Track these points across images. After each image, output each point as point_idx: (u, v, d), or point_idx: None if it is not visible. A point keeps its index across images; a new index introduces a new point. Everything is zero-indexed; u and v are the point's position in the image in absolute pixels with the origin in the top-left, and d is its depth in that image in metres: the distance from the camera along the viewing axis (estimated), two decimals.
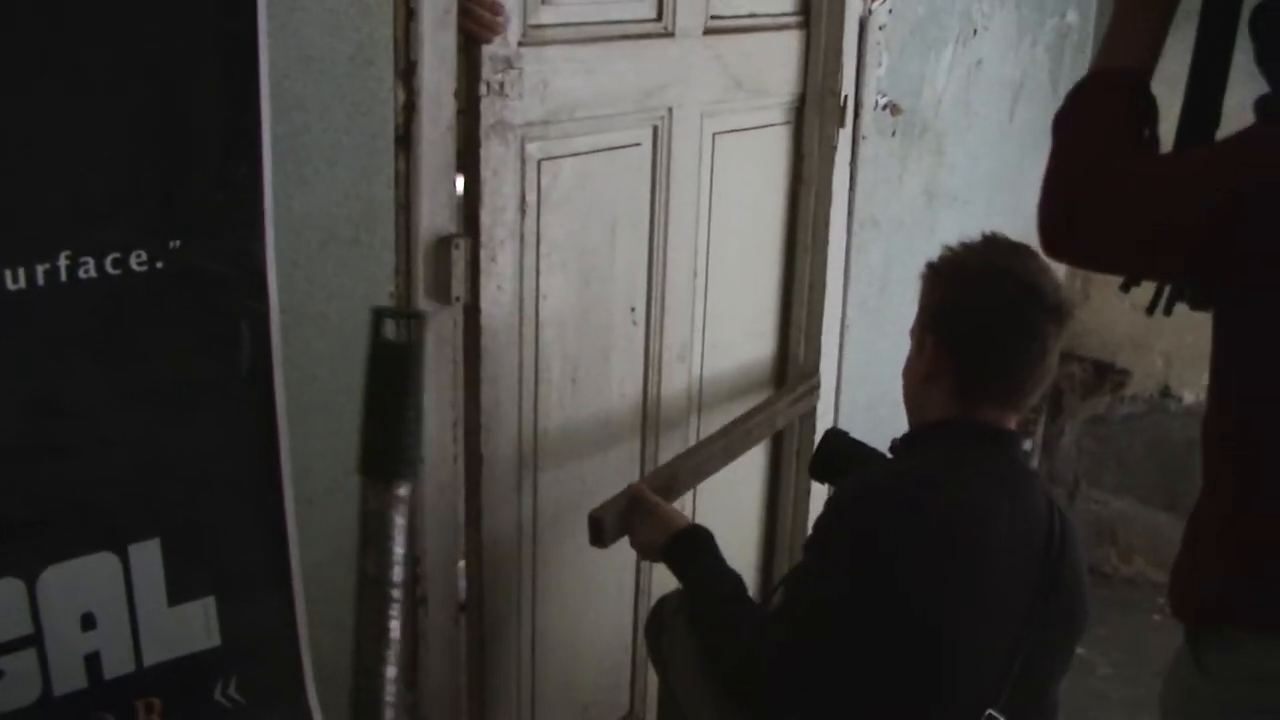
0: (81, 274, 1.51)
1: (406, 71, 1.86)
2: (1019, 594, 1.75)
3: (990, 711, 1.70)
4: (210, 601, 1.69)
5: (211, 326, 1.63)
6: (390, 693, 1.12)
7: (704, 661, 1.89)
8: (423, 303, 1.96)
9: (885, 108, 2.74)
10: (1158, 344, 3.29)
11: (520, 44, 2.05)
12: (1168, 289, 1.49)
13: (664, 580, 2.20)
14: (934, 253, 2.47)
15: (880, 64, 2.69)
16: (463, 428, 2.16)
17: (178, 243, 1.58)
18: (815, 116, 2.63)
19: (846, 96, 2.62)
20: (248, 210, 1.65)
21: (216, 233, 1.62)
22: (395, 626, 1.11)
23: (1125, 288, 1.52)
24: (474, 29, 1.97)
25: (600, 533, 2.13)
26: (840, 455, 2.26)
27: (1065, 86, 2.93)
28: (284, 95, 1.69)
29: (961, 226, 2.92)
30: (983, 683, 1.73)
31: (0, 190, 1.43)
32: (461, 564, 2.25)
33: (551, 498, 2.30)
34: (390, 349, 1.13)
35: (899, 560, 1.68)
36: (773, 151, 2.62)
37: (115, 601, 1.60)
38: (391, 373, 1.13)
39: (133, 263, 1.55)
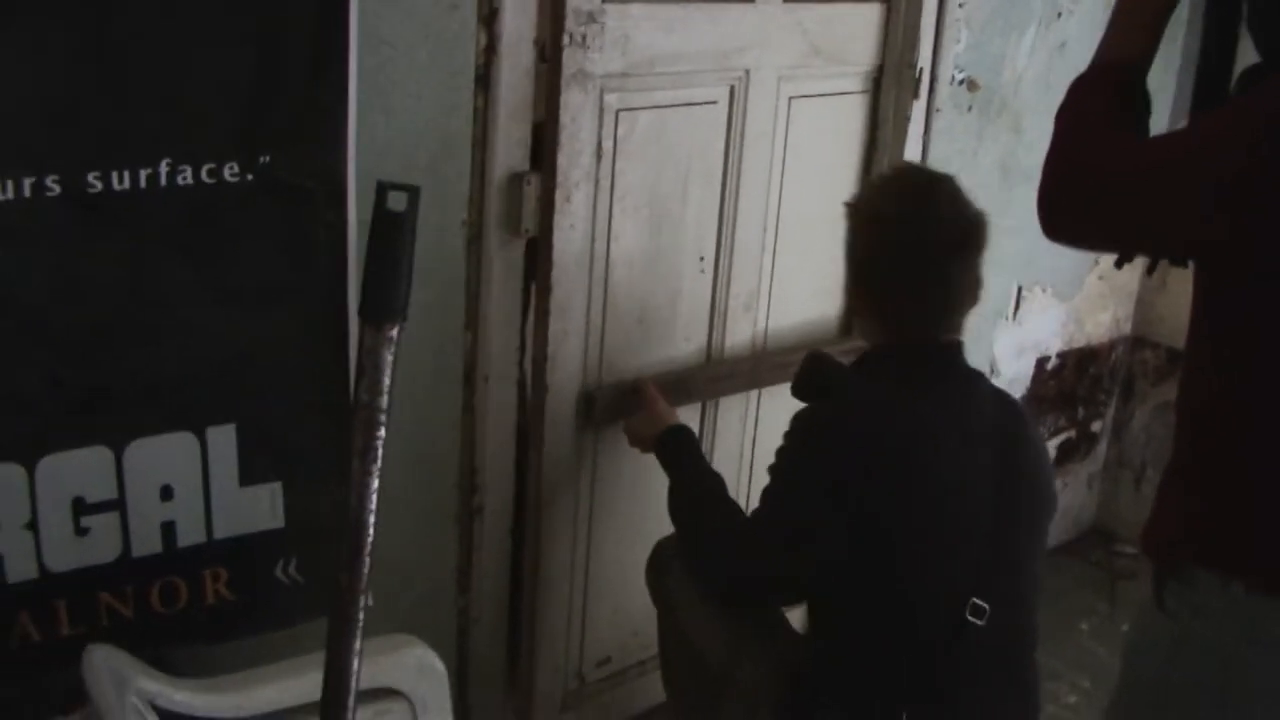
0: (180, 180, 1.66)
1: (489, 17, 1.98)
2: (982, 487, 1.88)
3: (974, 599, 1.82)
4: (277, 486, 1.84)
5: (294, 234, 1.77)
6: (374, 502, 1.25)
7: (684, 556, 2.06)
8: (494, 233, 2.09)
9: (962, 83, 2.80)
10: None
11: (605, 0, 2.16)
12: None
13: None
14: (1008, 226, 2.58)
15: (959, 40, 2.75)
16: (530, 355, 2.30)
17: (267, 157, 1.72)
18: (892, 88, 2.71)
19: (922, 70, 2.69)
20: (332, 132, 1.78)
21: (303, 150, 1.76)
22: (380, 444, 1.24)
23: (1119, 264, 1.59)
24: None
25: (590, 407, 2.32)
26: (820, 374, 2.35)
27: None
28: (373, 32, 1.83)
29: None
30: (962, 572, 1.85)
31: (111, 101, 1.58)
32: None
33: (612, 432, 2.41)
34: (391, 215, 1.26)
35: (861, 482, 1.81)
36: (849, 118, 2.69)
37: (191, 478, 1.76)
38: (391, 235, 1.26)
39: (226, 173, 1.70)
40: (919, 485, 1.84)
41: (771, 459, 1.95)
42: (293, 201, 1.76)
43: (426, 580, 2.16)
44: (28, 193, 1.54)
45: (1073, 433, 3.52)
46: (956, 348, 2.01)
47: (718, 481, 2.11)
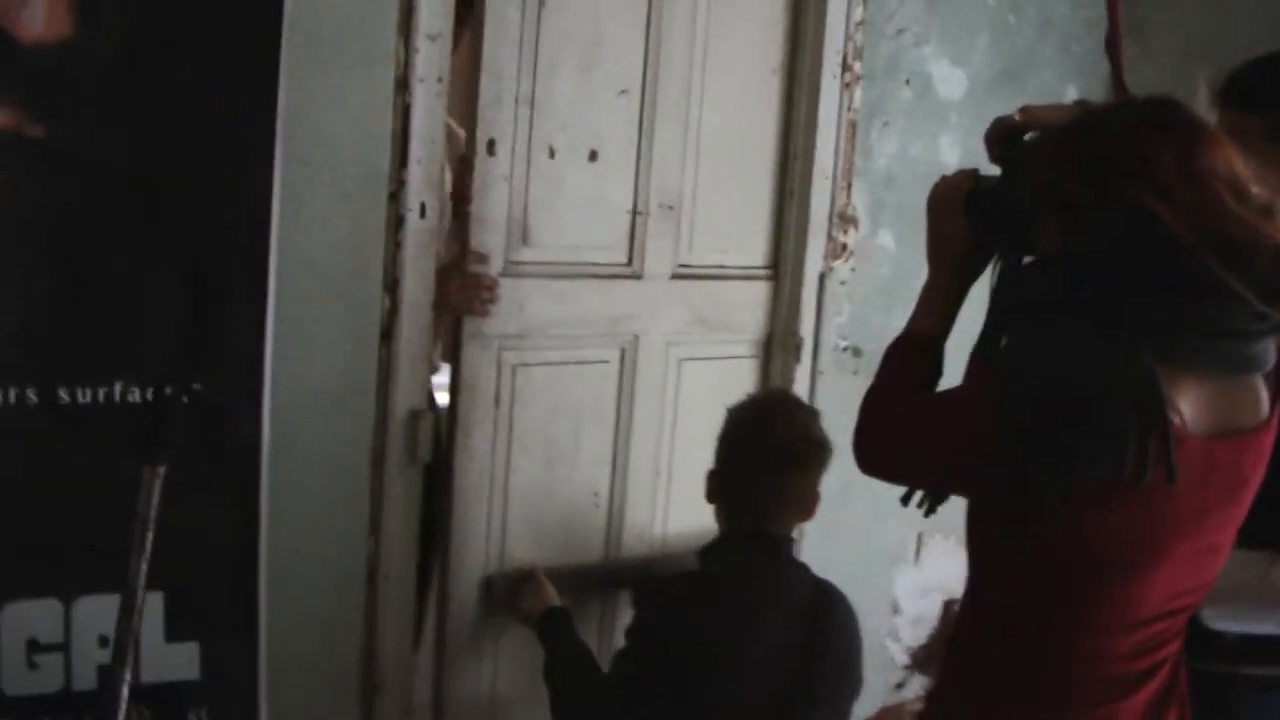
0: (130, 398, 2.47)
1: (391, 285, 2.79)
2: (787, 655, 2.58)
3: None
4: (195, 645, 2.56)
5: (218, 442, 2.55)
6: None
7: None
8: (395, 459, 2.84)
9: (847, 350, 3.56)
10: None
11: (500, 274, 2.98)
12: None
13: None
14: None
15: (841, 313, 3.53)
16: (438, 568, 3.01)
17: (198, 384, 2.52)
18: (779, 354, 3.48)
19: (803, 338, 3.46)
20: (251, 370, 2.58)
21: (227, 381, 2.55)
22: (149, 548, 1.96)
23: (904, 500, 2.11)
24: (468, 306, 2.93)
25: (490, 592, 3.02)
26: None
27: None
28: (291, 293, 2.63)
29: None
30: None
31: (79, 333, 2.41)
32: None
33: (514, 642, 3.09)
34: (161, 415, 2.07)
35: (675, 640, 2.57)
36: (739, 380, 3.44)
37: None
38: (159, 426, 2.06)
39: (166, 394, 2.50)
40: (725, 643, 2.55)
41: None
42: (217, 419, 2.55)
43: None
44: (12, 400, 2.35)
45: None
46: (781, 540, 2.75)
47: (584, 653, 2.81)
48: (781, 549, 2.77)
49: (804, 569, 2.79)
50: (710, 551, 2.80)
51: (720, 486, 2.80)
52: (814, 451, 2.76)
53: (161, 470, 2.05)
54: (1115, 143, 1.77)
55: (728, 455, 2.80)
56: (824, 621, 2.67)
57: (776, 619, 2.63)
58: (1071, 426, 1.68)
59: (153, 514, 2.04)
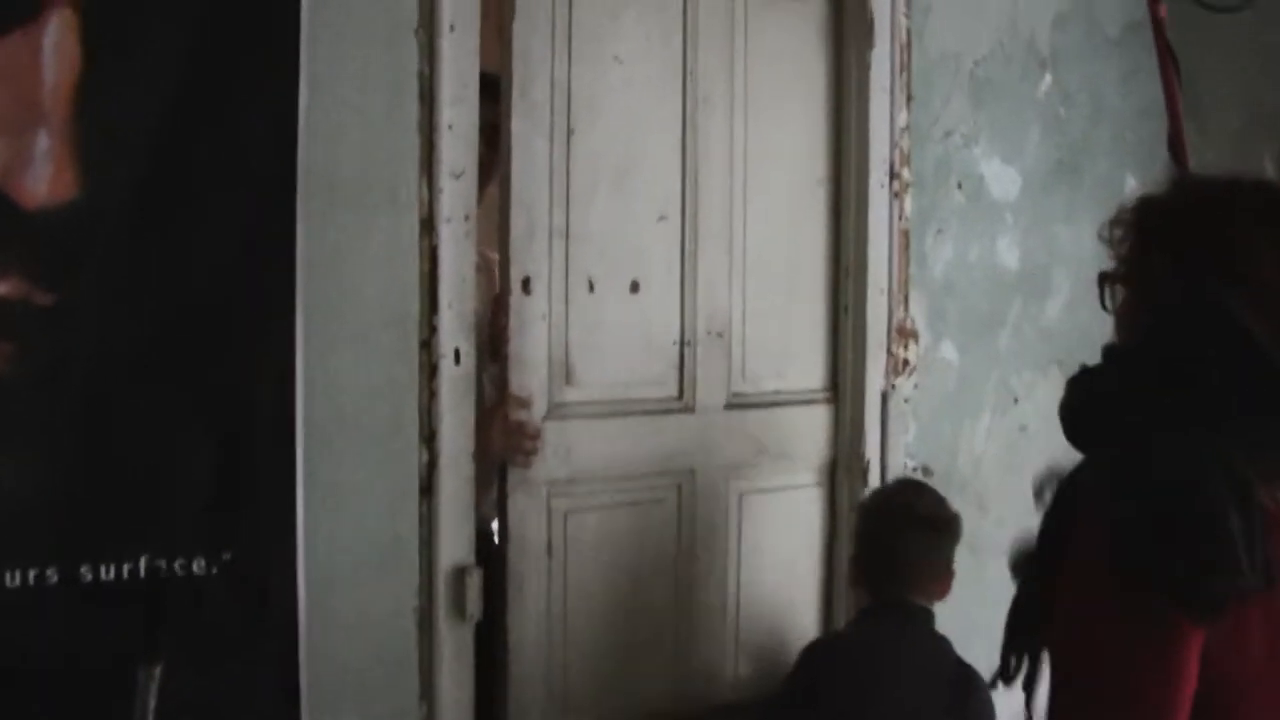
0: (157, 573, 2.34)
1: (429, 437, 2.66)
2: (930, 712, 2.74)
3: None
4: None
5: (250, 614, 2.41)
6: None
7: None
8: (443, 618, 2.69)
9: (916, 469, 3.39)
10: None
11: (545, 417, 2.85)
12: None
13: None
14: (981, 600, 3.23)
15: (907, 431, 3.37)
16: None
17: (229, 554, 2.39)
18: (844, 479, 3.32)
19: (869, 460, 3.30)
20: (284, 537, 2.45)
21: (258, 551, 2.42)
22: None
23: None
24: (510, 456, 2.81)
25: None
26: None
27: None
28: (324, 454, 2.51)
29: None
30: None
31: (103, 506, 2.29)
32: None
33: None
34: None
35: (815, 686, 2.87)
36: (804, 510, 3.29)
37: None
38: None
39: (194, 568, 2.37)
40: (863, 696, 2.77)
41: None
42: (250, 588, 2.42)
43: None
44: (31, 581, 2.23)
45: None
46: (918, 610, 2.88)
47: None
48: (919, 617, 2.88)
49: (945, 641, 2.86)
50: (854, 622, 3.02)
51: (860, 569, 2.97)
52: (943, 523, 2.94)
53: (158, 670, 1.90)
54: (1209, 233, 1.70)
55: (863, 537, 3.00)
56: (963, 700, 2.74)
57: (914, 678, 2.78)
58: (1186, 542, 1.53)
59: (150, 717, 1.89)
